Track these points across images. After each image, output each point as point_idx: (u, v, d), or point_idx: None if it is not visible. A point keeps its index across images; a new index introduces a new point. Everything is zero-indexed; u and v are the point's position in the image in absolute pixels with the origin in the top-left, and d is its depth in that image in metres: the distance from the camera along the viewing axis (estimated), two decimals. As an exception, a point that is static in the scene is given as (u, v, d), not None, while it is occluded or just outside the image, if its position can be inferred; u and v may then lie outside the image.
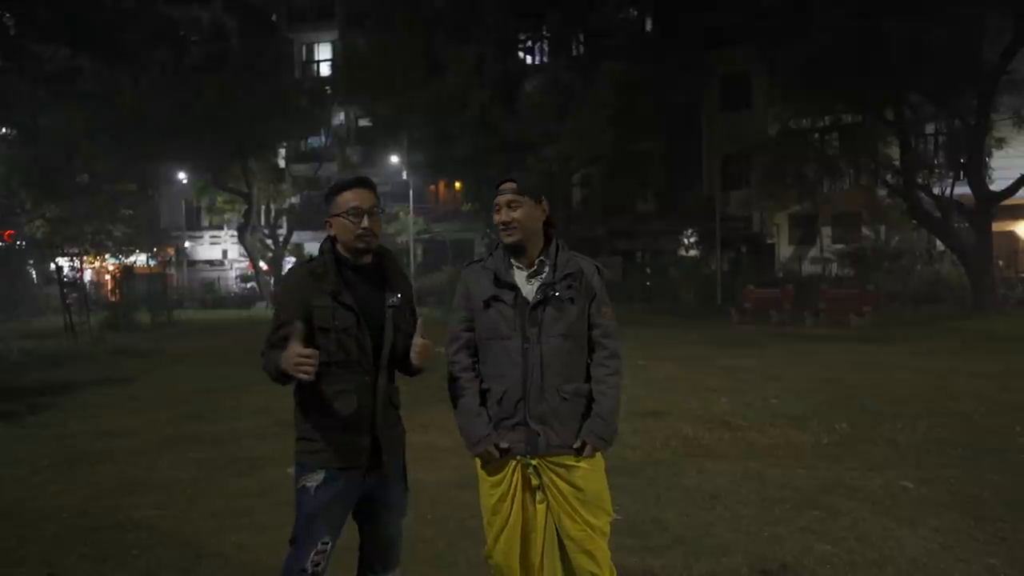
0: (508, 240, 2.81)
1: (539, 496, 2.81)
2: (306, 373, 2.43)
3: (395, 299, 2.77)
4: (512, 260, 2.86)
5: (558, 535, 2.81)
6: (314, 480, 2.68)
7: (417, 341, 2.75)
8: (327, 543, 2.64)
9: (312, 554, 2.62)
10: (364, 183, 2.78)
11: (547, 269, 2.81)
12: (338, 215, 2.72)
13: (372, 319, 2.71)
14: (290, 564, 2.64)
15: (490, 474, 2.85)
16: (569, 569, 2.82)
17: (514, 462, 2.80)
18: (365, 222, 2.70)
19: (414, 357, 2.75)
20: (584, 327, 2.83)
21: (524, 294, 2.80)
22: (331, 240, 2.77)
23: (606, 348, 2.85)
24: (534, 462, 2.78)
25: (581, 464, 2.77)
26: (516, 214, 2.79)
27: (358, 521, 2.86)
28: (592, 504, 2.78)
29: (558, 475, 2.77)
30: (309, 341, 2.63)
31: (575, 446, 2.76)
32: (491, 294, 2.81)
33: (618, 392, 2.83)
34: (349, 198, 2.72)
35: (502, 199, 2.81)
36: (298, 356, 2.43)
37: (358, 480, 2.73)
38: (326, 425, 2.69)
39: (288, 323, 2.60)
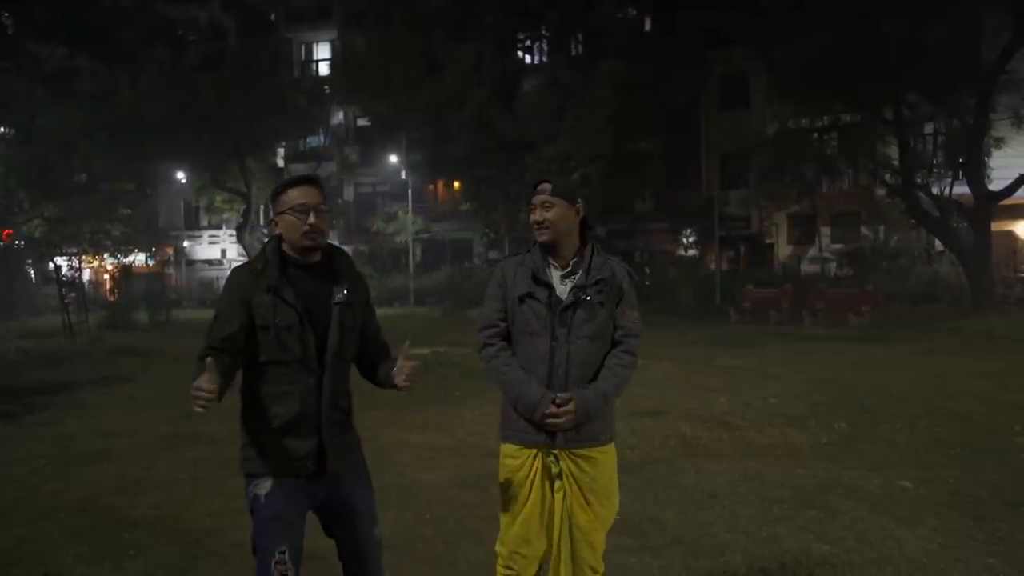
0: (541, 239, 2.90)
1: (557, 485, 2.86)
2: (198, 406, 2.34)
3: (341, 295, 2.69)
4: (549, 259, 2.93)
5: (570, 525, 2.86)
6: (263, 488, 2.60)
7: (406, 364, 2.68)
8: (284, 552, 2.56)
9: (272, 563, 2.54)
10: (311, 181, 2.73)
11: (580, 271, 2.88)
12: (283, 212, 2.66)
13: (318, 317, 2.63)
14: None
15: (511, 459, 2.90)
16: (575, 559, 2.86)
17: (535, 450, 2.86)
18: (311, 219, 2.63)
19: (401, 379, 2.68)
20: (610, 329, 2.91)
21: (558, 293, 2.87)
22: (277, 239, 2.71)
23: (627, 344, 2.93)
24: (555, 451, 2.84)
25: (597, 455, 2.86)
26: (549, 214, 2.86)
27: (329, 535, 2.80)
28: (603, 495, 2.87)
29: (578, 465, 2.84)
30: (250, 341, 2.58)
31: (556, 401, 2.79)
32: (527, 290, 2.88)
33: (621, 382, 2.88)
34: (295, 195, 2.65)
35: (537, 199, 2.90)
36: (195, 388, 2.33)
37: (306, 486, 2.64)
38: (269, 429, 2.61)
39: (224, 327, 2.55)
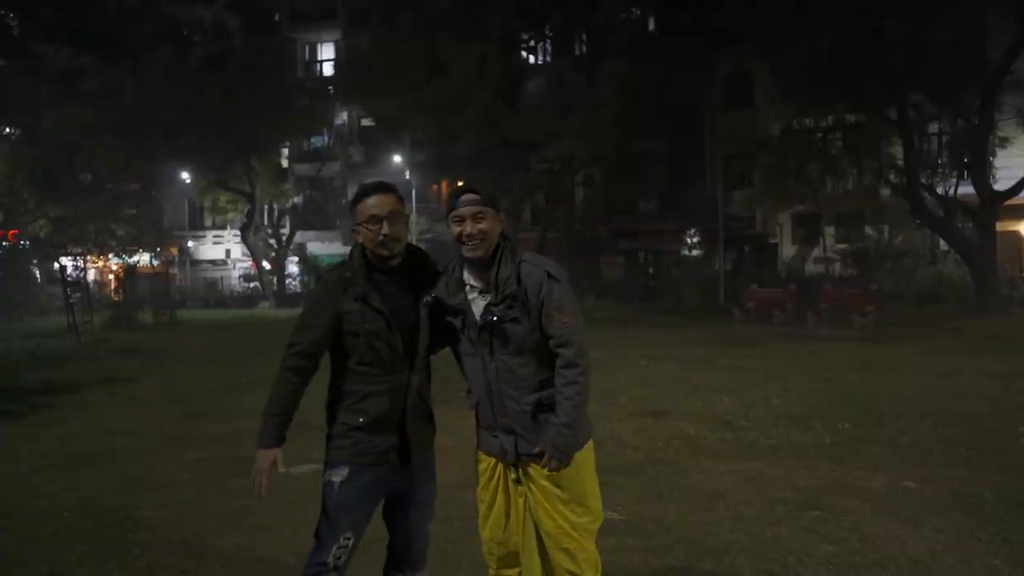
0: (474, 254, 2.74)
1: (519, 489, 2.85)
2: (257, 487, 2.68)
3: (430, 299, 2.82)
4: (464, 278, 2.82)
5: (537, 530, 2.84)
6: (338, 475, 2.73)
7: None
8: (349, 538, 2.70)
9: (334, 548, 2.67)
10: (383, 188, 2.80)
11: (491, 289, 2.76)
12: (360, 224, 2.76)
13: (404, 320, 2.75)
14: (313, 557, 2.71)
15: (480, 463, 2.95)
16: (548, 564, 2.84)
17: (494, 458, 2.89)
18: (385, 228, 2.70)
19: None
20: (538, 338, 2.75)
21: (474, 315, 2.78)
22: (362, 246, 2.81)
23: (562, 357, 2.74)
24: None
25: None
26: (483, 226, 2.72)
27: (387, 521, 2.93)
28: (574, 502, 2.79)
29: (537, 474, 2.79)
30: (339, 345, 2.74)
31: (535, 451, 2.75)
32: (445, 319, 2.85)
33: (577, 400, 2.73)
34: (368, 206, 2.74)
35: (466, 211, 2.72)
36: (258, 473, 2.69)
37: (386, 476, 2.78)
38: (355, 424, 2.74)
39: (310, 331, 2.72)
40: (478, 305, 2.78)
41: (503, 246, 2.79)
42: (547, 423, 2.75)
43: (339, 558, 2.67)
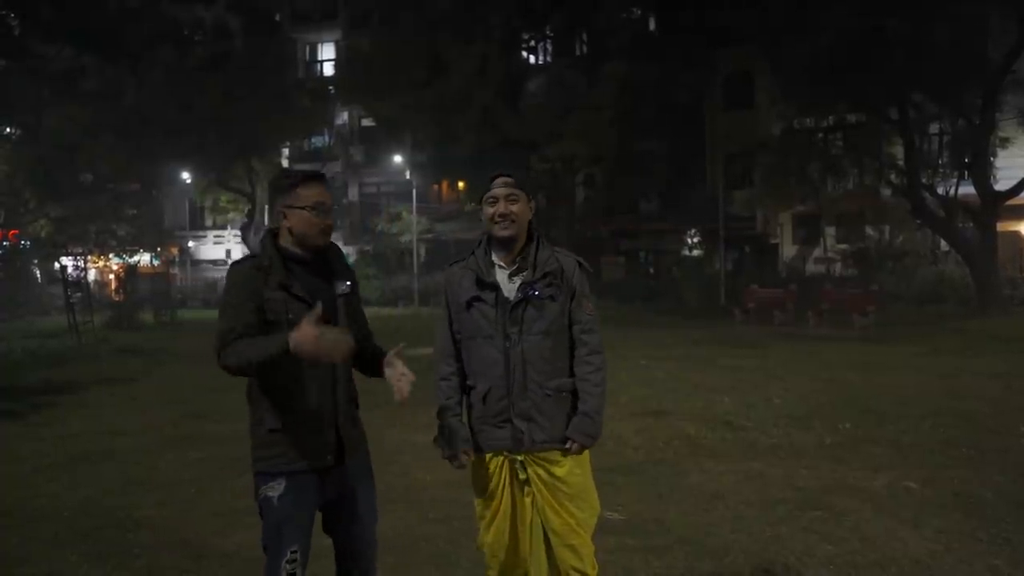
0: (504, 233, 2.82)
1: (527, 490, 2.85)
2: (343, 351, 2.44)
3: (345, 287, 2.72)
4: (495, 259, 2.88)
5: (544, 529, 2.85)
6: (275, 490, 2.61)
7: (401, 378, 2.64)
8: (296, 551, 2.59)
9: (283, 563, 2.57)
10: (323, 178, 2.74)
11: (528, 267, 2.84)
12: (300, 208, 2.64)
13: (325, 310, 2.60)
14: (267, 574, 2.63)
15: (480, 468, 2.90)
16: (553, 563, 2.85)
17: (502, 457, 2.85)
18: (328, 218, 2.66)
19: (397, 397, 2.62)
20: (565, 323, 2.86)
21: (505, 293, 2.83)
22: (273, 235, 2.70)
23: (587, 344, 2.87)
24: (520, 457, 2.83)
25: (566, 459, 2.82)
26: (515, 207, 2.82)
27: (329, 531, 2.79)
28: (578, 498, 2.83)
29: (544, 469, 2.82)
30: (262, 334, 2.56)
31: (566, 446, 2.79)
32: (473, 295, 2.85)
33: (603, 388, 2.86)
34: (314, 193, 2.65)
35: (500, 191, 2.84)
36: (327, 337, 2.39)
37: (323, 480, 2.65)
38: (285, 425, 2.61)
39: (241, 316, 2.54)
40: (507, 286, 2.84)
41: (537, 232, 2.91)
42: (560, 411, 2.81)
43: (292, 574, 2.58)
